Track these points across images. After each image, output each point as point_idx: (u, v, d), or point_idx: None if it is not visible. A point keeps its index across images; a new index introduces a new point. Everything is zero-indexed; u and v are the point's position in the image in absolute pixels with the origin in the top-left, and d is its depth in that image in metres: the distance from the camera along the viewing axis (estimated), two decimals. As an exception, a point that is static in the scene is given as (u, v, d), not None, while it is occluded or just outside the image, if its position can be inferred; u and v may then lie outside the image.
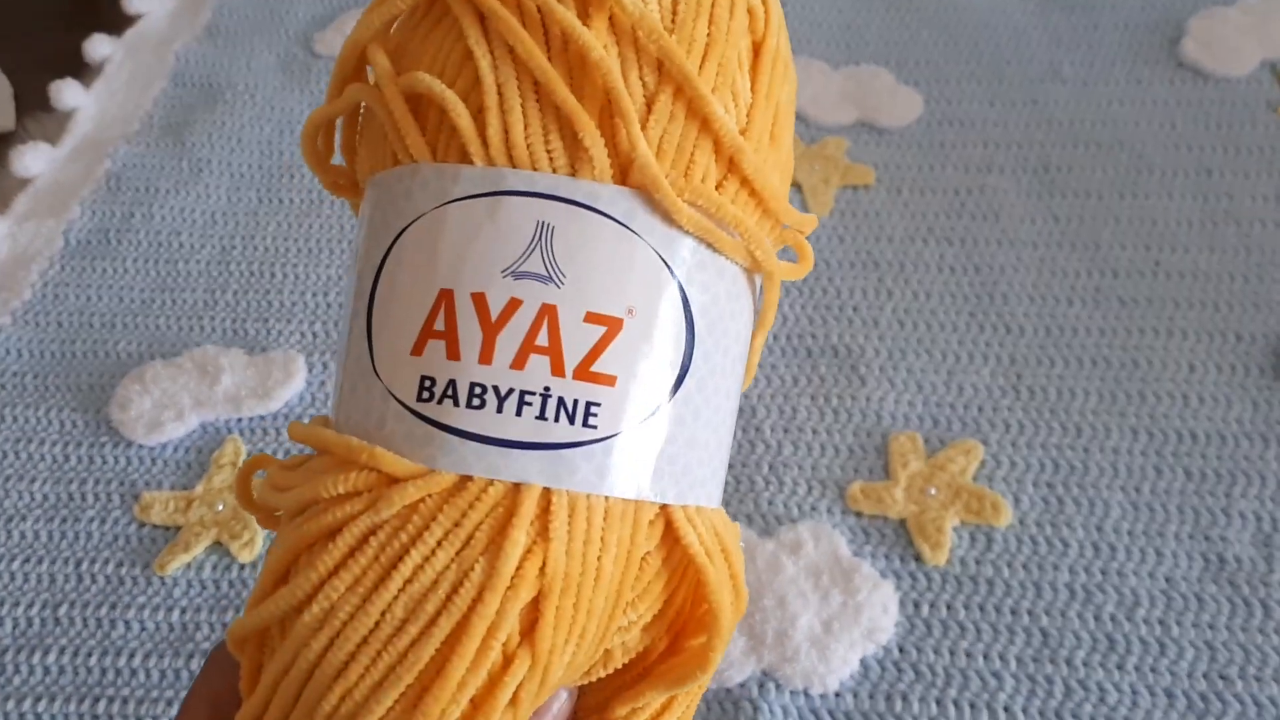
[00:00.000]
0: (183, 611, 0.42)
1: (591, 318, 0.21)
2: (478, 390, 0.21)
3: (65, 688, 0.40)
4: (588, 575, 0.21)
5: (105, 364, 0.50)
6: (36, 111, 0.63)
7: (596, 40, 0.21)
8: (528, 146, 0.22)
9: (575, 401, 0.21)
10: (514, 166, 0.22)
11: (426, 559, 0.21)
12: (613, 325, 0.21)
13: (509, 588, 0.20)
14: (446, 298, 0.22)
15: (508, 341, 0.21)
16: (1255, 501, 0.42)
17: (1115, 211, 0.53)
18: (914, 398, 0.46)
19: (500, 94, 0.22)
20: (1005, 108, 0.59)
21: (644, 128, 0.21)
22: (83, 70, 0.65)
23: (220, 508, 0.45)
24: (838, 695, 0.38)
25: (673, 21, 0.22)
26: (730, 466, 0.44)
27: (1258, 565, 0.41)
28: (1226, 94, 0.58)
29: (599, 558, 0.21)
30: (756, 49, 0.23)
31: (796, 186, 0.55)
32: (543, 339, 0.21)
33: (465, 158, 0.22)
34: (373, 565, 0.21)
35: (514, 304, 0.21)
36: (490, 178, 0.22)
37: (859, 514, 0.43)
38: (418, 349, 0.22)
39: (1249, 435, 0.44)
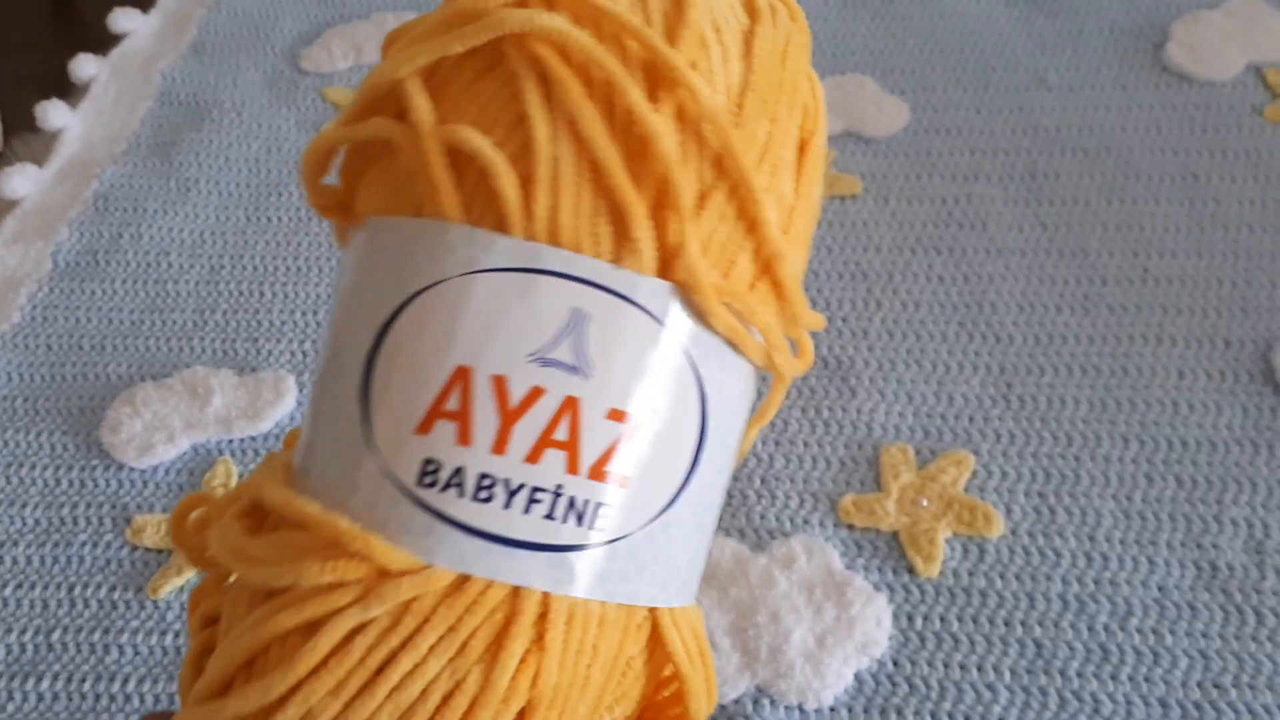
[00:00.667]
0: (176, 635, 0.42)
1: (614, 414, 0.20)
2: (486, 482, 0.19)
3: (59, 714, 0.40)
4: (576, 684, 0.20)
5: (95, 386, 0.50)
6: (23, 132, 0.63)
7: (664, 126, 0.20)
8: (574, 227, 0.20)
9: (585, 502, 0.20)
10: (554, 245, 0.20)
11: (418, 665, 0.19)
12: (634, 424, 0.20)
13: (502, 700, 0.19)
14: (463, 376, 0.20)
15: (525, 432, 0.19)
16: (1246, 508, 0.42)
17: (1103, 218, 0.53)
18: (904, 408, 0.46)
19: (555, 168, 0.20)
20: (991, 115, 0.59)
21: (695, 223, 0.20)
22: (69, 90, 0.65)
23: (212, 530, 0.45)
24: (832, 710, 0.38)
25: (738, 114, 0.21)
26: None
27: (1250, 573, 0.41)
28: (1212, 98, 0.58)
29: (589, 666, 0.20)
30: (803, 147, 0.22)
31: (785, 197, 0.55)
32: (562, 433, 0.20)
33: (502, 226, 0.20)
34: (358, 668, 0.19)
35: (536, 392, 0.20)
36: (527, 253, 0.20)
37: (851, 527, 0.43)
38: (424, 427, 0.20)
39: (1239, 442, 0.44)
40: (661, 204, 0.20)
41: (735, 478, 0.45)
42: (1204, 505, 0.43)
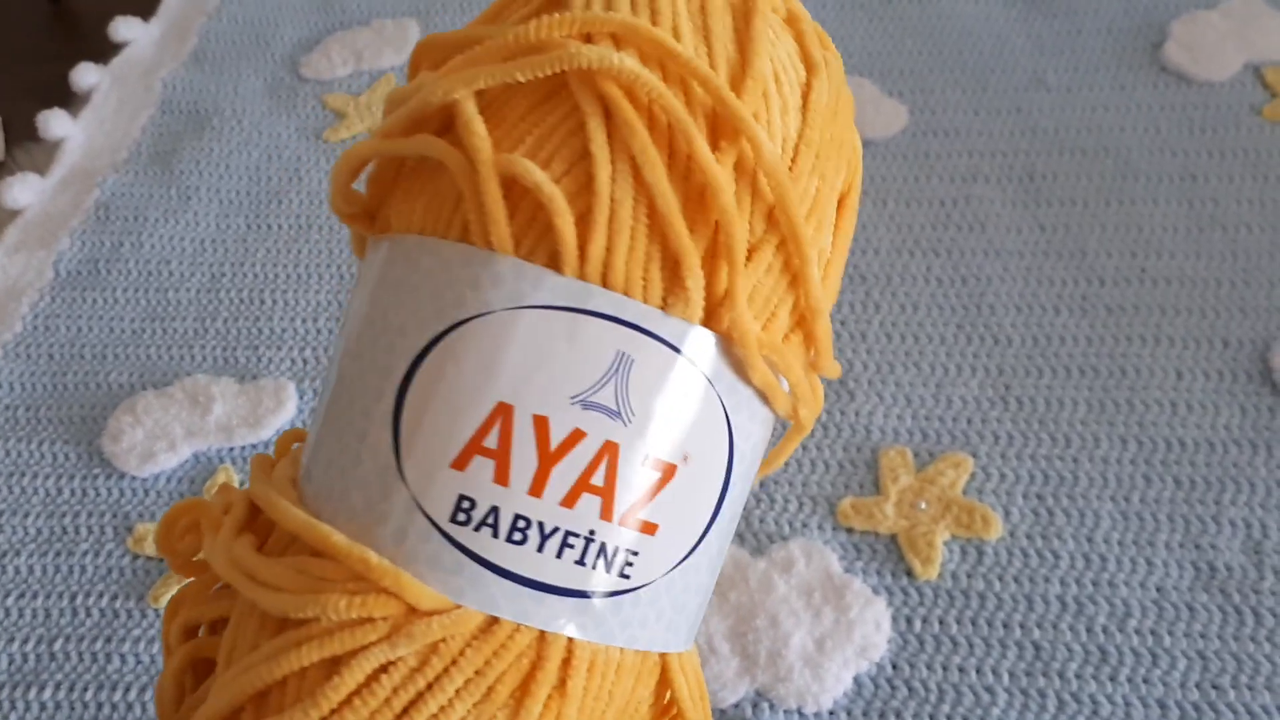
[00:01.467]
0: (178, 643, 0.42)
1: (650, 462, 0.20)
2: (521, 524, 0.19)
3: (62, 723, 0.41)
4: None
5: (97, 395, 0.50)
6: (25, 142, 0.63)
7: (726, 177, 0.20)
8: (626, 270, 0.20)
9: (616, 549, 0.20)
10: (605, 286, 0.20)
11: (444, 707, 0.19)
12: (668, 472, 0.20)
13: None
14: (504, 413, 0.19)
15: (563, 475, 0.19)
16: (1245, 509, 0.42)
17: (1101, 219, 0.53)
18: (903, 411, 0.46)
19: (613, 209, 0.19)
20: (990, 116, 0.59)
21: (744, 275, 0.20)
22: (70, 100, 0.65)
23: (213, 538, 0.45)
24: (831, 714, 0.38)
25: (791, 170, 0.21)
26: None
27: (1248, 573, 0.41)
28: (1210, 98, 0.58)
29: (604, 712, 0.20)
30: (842, 201, 0.23)
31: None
32: (599, 478, 0.19)
33: (554, 263, 0.20)
34: (383, 708, 0.19)
35: (577, 435, 0.19)
36: (577, 292, 0.19)
37: (850, 530, 0.43)
38: (460, 463, 0.19)
39: (1238, 442, 0.44)
40: (713, 253, 0.20)
41: (734, 482, 0.45)
42: (1202, 506, 0.43)
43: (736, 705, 0.39)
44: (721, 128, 0.20)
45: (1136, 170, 0.55)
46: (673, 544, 0.20)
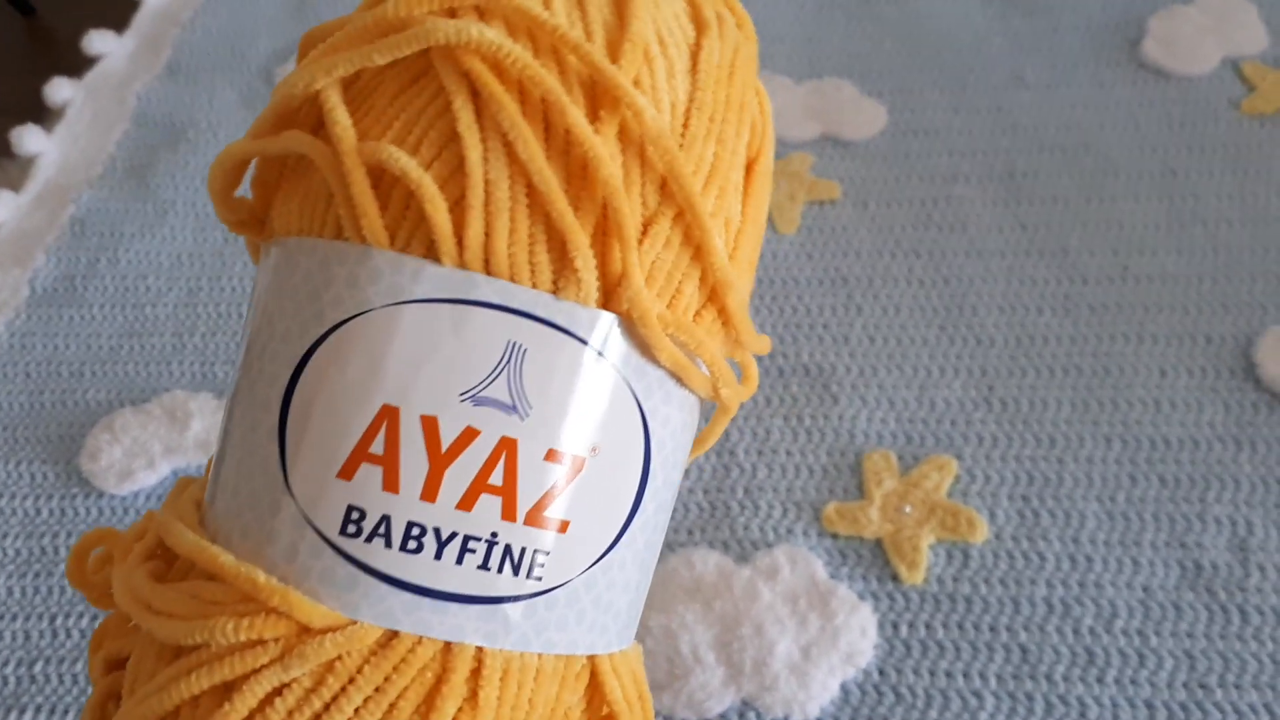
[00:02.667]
0: (159, 664, 0.42)
1: (553, 456, 0.19)
2: (415, 531, 0.18)
3: (42, 747, 0.40)
4: None
5: (75, 413, 0.50)
6: (-1, 158, 0.62)
7: (606, 150, 0.18)
8: (510, 255, 0.19)
9: (522, 550, 0.19)
10: (489, 274, 0.19)
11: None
12: (575, 465, 0.19)
13: None
14: (390, 416, 0.18)
15: (457, 477, 0.18)
16: (1230, 506, 0.42)
17: (1082, 216, 0.53)
18: (886, 414, 0.46)
19: (488, 192, 0.18)
20: (969, 116, 0.59)
21: (639, 251, 0.19)
22: (44, 115, 0.65)
23: (194, 556, 0.44)
24: (819, 722, 0.38)
25: (683, 137, 0.20)
26: (705, 492, 0.44)
27: (1234, 571, 0.40)
28: (1189, 93, 0.58)
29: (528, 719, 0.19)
30: (750, 167, 0.21)
31: (763, 204, 0.55)
32: (497, 477, 0.18)
33: (432, 254, 0.19)
34: None
35: (470, 434, 0.18)
36: (460, 283, 0.18)
37: (835, 535, 0.43)
38: (347, 472, 0.18)
39: (1221, 439, 0.44)
40: (604, 231, 0.19)
41: (718, 489, 0.45)
42: (1187, 504, 0.42)
43: (723, 715, 0.38)
44: (600, 97, 0.19)
45: (1117, 167, 0.55)
46: (588, 541, 0.19)
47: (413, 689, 0.18)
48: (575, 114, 0.18)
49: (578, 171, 0.19)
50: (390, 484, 0.18)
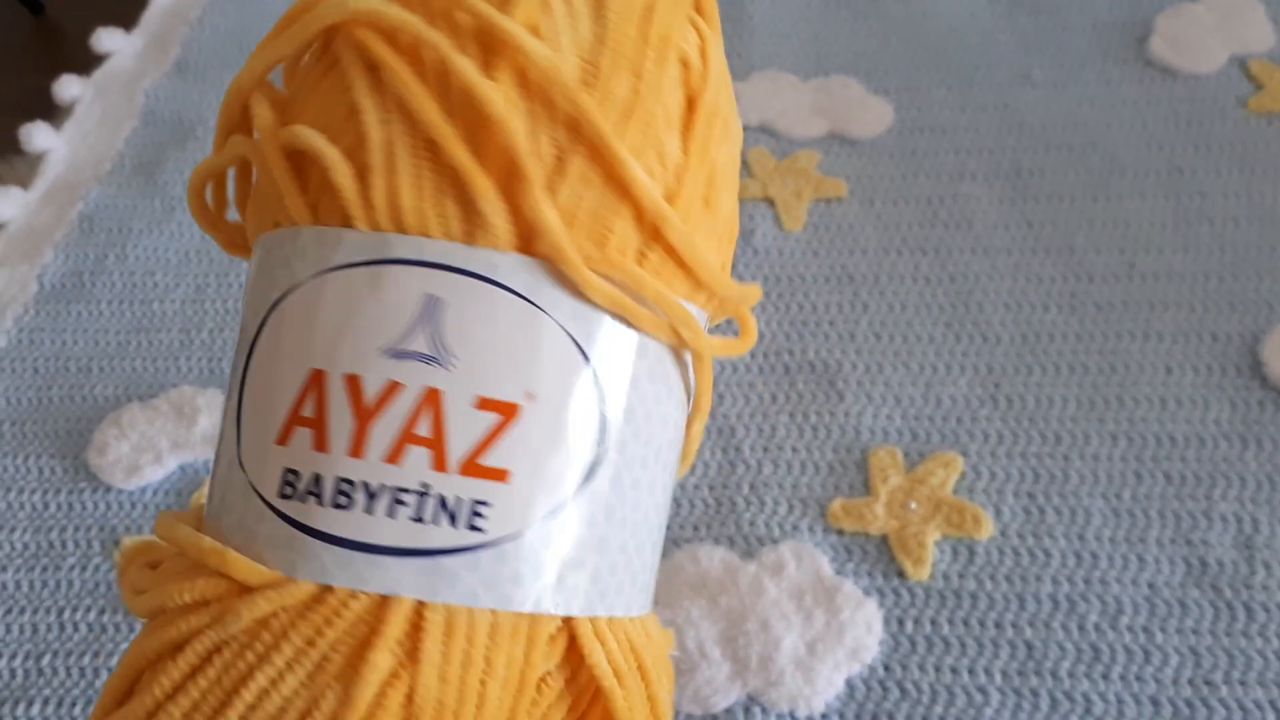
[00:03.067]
0: (166, 657, 0.42)
1: (484, 404, 0.19)
2: (344, 487, 0.18)
3: (50, 739, 0.40)
4: (467, 703, 0.18)
5: (83, 408, 0.50)
6: (8, 155, 0.63)
7: (498, 94, 0.19)
8: (418, 211, 0.19)
9: (459, 500, 0.18)
10: (402, 232, 0.19)
11: (274, 682, 0.18)
12: (508, 412, 0.19)
13: (365, 718, 0.18)
14: (318, 380, 0.19)
15: (384, 431, 0.18)
16: (1236, 504, 0.42)
17: (1089, 215, 0.53)
18: (892, 411, 0.46)
19: (389, 152, 0.19)
20: (976, 114, 0.59)
21: (554, 193, 0.19)
22: (53, 112, 0.65)
23: (201, 550, 0.44)
24: (824, 717, 0.38)
25: (594, 76, 0.20)
26: (710, 488, 0.44)
27: (1239, 568, 0.40)
28: (1196, 91, 0.58)
29: (482, 682, 0.18)
30: (691, 104, 0.21)
31: (769, 202, 0.55)
32: (424, 428, 0.18)
33: (348, 222, 0.19)
34: (214, 688, 0.18)
35: (393, 388, 0.19)
36: (374, 244, 0.19)
37: (840, 532, 0.43)
38: (283, 438, 0.19)
39: (1227, 437, 0.44)
40: (512, 176, 0.19)
41: (723, 485, 0.45)
42: (1193, 501, 0.42)
43: (728, 710, 0.38)
44: (491, 47, 0.19)
45: (1123, 165, 0.55)
46: (536, 490, 0.19)
47: (343, 643, 0.18)
48: (462, 64, 0.19)
49: (479, 123, 0.19)
50: (320, 444, 0.19)
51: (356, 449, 0.19)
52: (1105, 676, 0.38)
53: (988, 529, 0.42)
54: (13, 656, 0.43)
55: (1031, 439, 0.45)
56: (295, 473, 0.19)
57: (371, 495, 0.18)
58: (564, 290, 0.19)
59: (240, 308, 0.53)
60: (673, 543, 0.43)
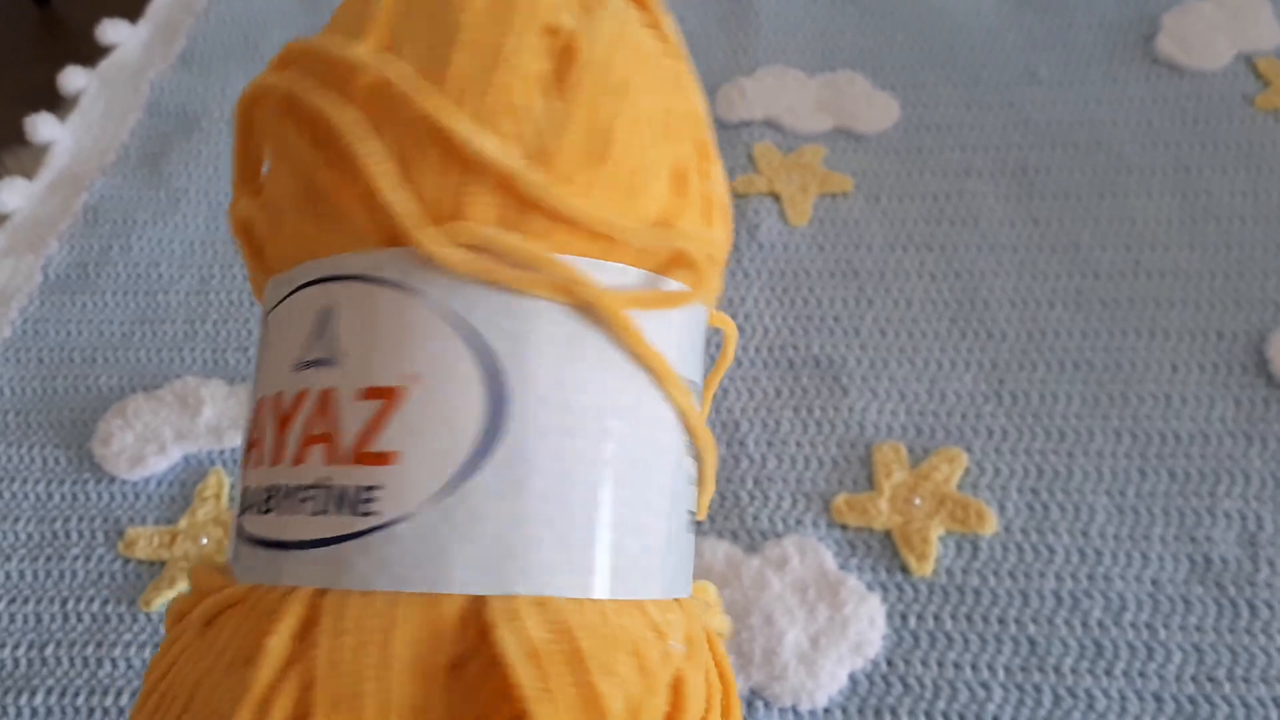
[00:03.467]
0: (169, 647, 0.42)
1: (369, 393, 0.19)
2: (269, 494, 0.20)
3: (53, 729, 0.40)
4: (366, 690, 0.18)
5: (87, 399, 0.50)
6: (12, 146, 0.63)
7: (337, 110, 0.20)
8: (311, 238, 0.21)
9: (354, 489, 0.19)
10: (299, 262, 0.21)
11: (205, 674, 0.19)
12: (391, 396, 0.19)
13: (260, 704, 0.18)
14: (260, 405, 0.21)
15: (294, 437, 0.20)
16: (1239, 501, 0.42)
17: (1095, 212, 0.53)
18: (896, 407, 0.46)
19: (288, 201, 0.21)
20: (982, 110, 0.59)
21: (411, 183, 0.20)
22: (58, 103, 0.65)
23: (205, 541, 0.44)
24: (826, 711, 0.38)
25: (441, 68, 0.20)
26: (715, 482, 0.44)
27: (1243, 565, 0.40)
28: (1202, 89, 0.58)
29: (380, 668, 0.18)
30: (568, 60, 0.21)
31: (775, 197, 0.55)
32: (321, 427, 0.19)
33: (269, 269, 0.23)
34: (171, 685, 0.20)
35: (301, 396, 0.20)
36: (288, 279, 0.21)
37: (844, 526, 0.43)
38: (244, 463, 0.21)
39: (1232, 434, 0.44)
40: (366, 179, 0.20)
41: (728, 479, 0.45)
42: (1197, 498, 0.42)
43: (731, 704, 0.38)
44: (344, 76, 0.20)
45: (1129, 163, 0.55)
46: (428, 468, 0.19)
47: (251, 635, 0.19)
48: (314, 98, 0.20)
49: (336, 143, 0.20)
50: (257, 461, 0.21)
51: (276, 458, 0.20)
52: (1108, 673, 0.38)
53: (991, 525, 0.42)
54: (16, 646, 0.43)
55: (1036, 435, 0.45)
56: (246, 489, 0.21)
57: (284, 496, 0.20)
58: (435, 271, 0.20)
59: (249, 299, 0.53)
60: (676, 536, 0.43)
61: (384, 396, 0.19)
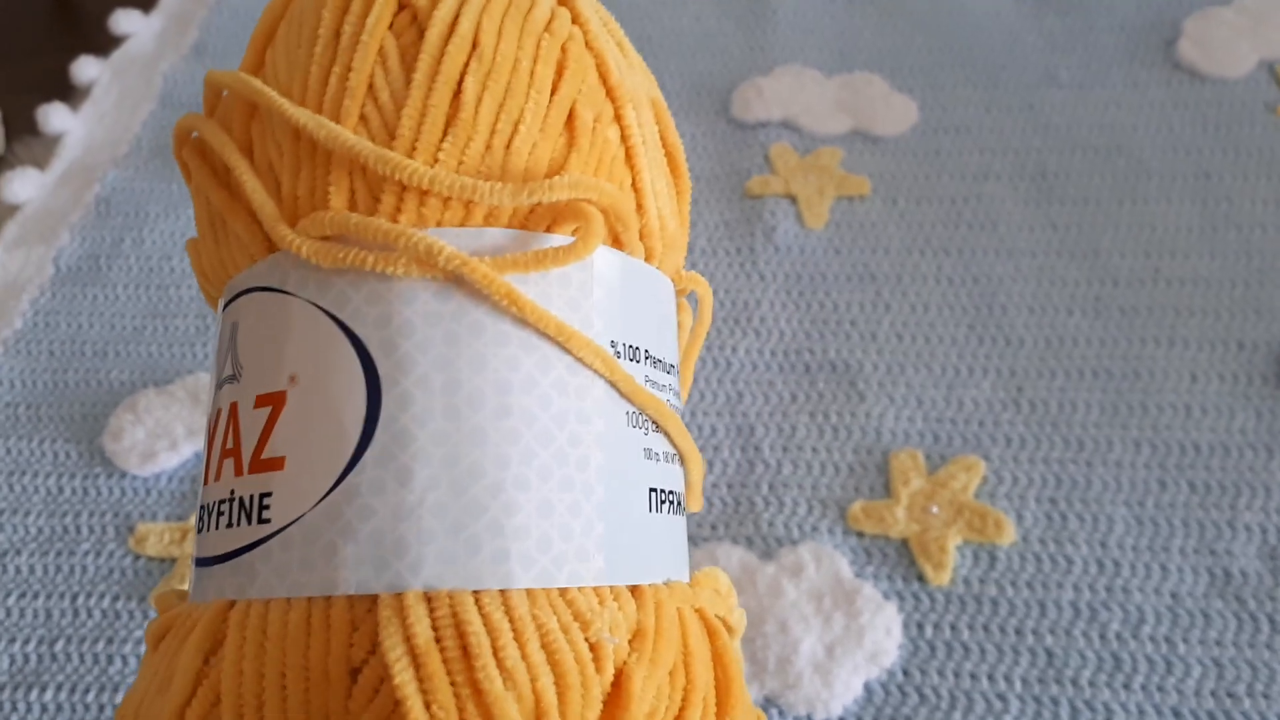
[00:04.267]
0: (180, 646, 0.42)
1: (260, 401, 0.19)
2: (202, 512, 0.21)
3: (63, 726, 0.40)
4: (271, 699, 0.17)
5: (98, 393, 0.50)
6: (25, 136, 0.62)
7: (209, 128, 0.22)
8: (222, 260, 0.22)
9: (252, 498, 0.19)
10: (223, 282, 0.22)
11: (147, 686, 0.20)
12: (277, 401, 0.19)
13: (176, 714, 0.18)
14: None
15: (215, 454, 0.20)
16: (1260, 514, 0.42)
17: (1114, 218, 0.52)
18: (914, 413, 0.46)
19: (209, 233, 0.23)
20: (1001, 114, 0.58)
21: (280, 187, 0.20)
22: (70, 93, 0.65)
23: (216, 539, 0.44)
24: (842, 721, 0.38)
25: (302, 77, 0.21)
26: (729, 487, 0.44)
27: (1264, 579, 0.40)
28: (1224, 96, 0.57)
29: (283, 675, 0.17)
30: (416, 30, 0.21)
31: (792, 199, 0.55)
32: (230, 441, 0.20)
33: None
34: (137, 693, 0.21)
35: (218, 413, 0.20)
36: (220, 300, 0.23)
37: (860, 534, 0.42)
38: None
39: (1253, 446, 0.44)
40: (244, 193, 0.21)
41: (743, 484, 0.44)
42: (1217, 511, 0.42)
43: (746, 712, 0.38)
44: (241, 109, 0.22)
45: (1149, 169, 0.54)
46: (309, 471, 0.18)
47: (179, 649, 0.19)
48: (203, 129, 0.22)
49: (224, 172, 0.22)
50: (203, 482, 0.21)
51: (208, 477, 0.21)
52: (1126, 686, 0.38)
53: (1009, 534, 0.42)
54: (26, 641, 0.42)
55: (1054, 444, 0.44)
56: (198, 510, 0.22)
57: (210, 513, 0.20)
58: (301, 268, 0.20)
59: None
60: (690, 542, 0.42)
61: (271, 403, 0.19)
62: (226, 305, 0.22)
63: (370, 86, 0.20)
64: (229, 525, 0.19)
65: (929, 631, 0.40)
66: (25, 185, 0.59)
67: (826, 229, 0.53)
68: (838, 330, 0.49)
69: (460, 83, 0.20)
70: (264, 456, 0.19)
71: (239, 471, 0.19)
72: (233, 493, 0.19)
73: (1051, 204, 0.53)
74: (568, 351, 0.20)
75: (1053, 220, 0.53)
